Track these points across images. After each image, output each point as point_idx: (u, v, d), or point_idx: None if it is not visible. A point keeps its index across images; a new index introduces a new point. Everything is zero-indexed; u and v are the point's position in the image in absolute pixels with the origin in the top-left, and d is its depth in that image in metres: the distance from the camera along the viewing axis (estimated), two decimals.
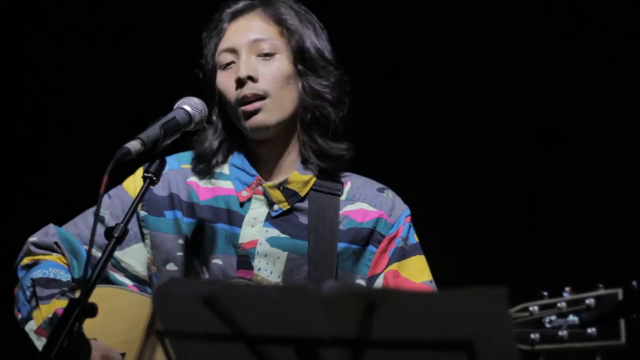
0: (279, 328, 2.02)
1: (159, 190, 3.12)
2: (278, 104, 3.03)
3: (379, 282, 3.07)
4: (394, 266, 3.08)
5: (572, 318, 2.30)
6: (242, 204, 3.08)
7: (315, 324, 1.99)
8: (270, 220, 3.07)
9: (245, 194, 3.08)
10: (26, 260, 3.14)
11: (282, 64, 3.05)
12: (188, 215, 3.09)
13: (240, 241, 3.04)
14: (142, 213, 3.11)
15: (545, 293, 2.36)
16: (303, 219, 3.08)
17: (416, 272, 3.10)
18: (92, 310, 2.52)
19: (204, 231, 3.06)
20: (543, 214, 4.65)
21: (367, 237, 3.08)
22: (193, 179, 3.12)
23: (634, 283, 2.21)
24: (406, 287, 3.03)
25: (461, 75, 4.68)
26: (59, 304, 3.01)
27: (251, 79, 3.01)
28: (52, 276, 3.05)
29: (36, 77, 4.86)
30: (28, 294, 3.05)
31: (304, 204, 3.09)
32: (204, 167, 3.11)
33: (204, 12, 3.17)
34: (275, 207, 3.07)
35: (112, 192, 3.16)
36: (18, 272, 3.14)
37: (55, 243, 3.12)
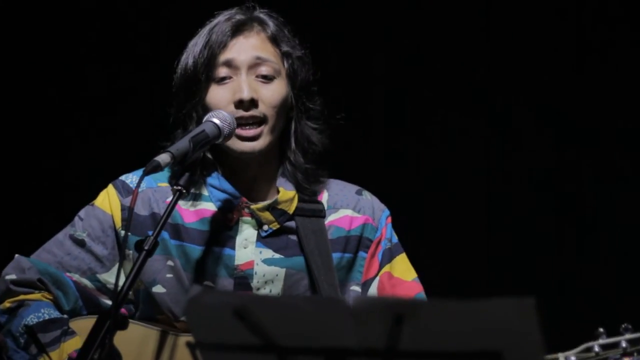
0: (309, 339, 2.03)
1: (139, 209, 3.03)
2: (271, 129, 3.00)
3: (374, 286, 3.07)
4: (386, 268, 3.09)
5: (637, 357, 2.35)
6: (229, 227, 3.03)
7: (345, 335, 2.00)
8: (261, 240, 3.03)
9: (231, 216, 3.03)
10: (7, 304, 2.98)
11: (280, 88, 3.02)
12: (174, 238, 3.01)
13: (236, 263, 3.01)
14: (124, 232, 3.00)
15: (602, 330, 2.38)
16: (293, 237, 3.06)
17: (404, 271, 3.11)
18: (123, 322, 2.54)
19: (193, 254, 3.01)
20: None
21: (357, 244, 3.08)
22: (171, 199, 2.84)
23: None
24: (402, 288, 3.05)
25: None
26: (69, 347, 2.93)
27: (252, 101, 2.97)
28: (47, 317, 2.94)
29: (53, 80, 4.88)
30: (22, 341, 2.93)
31: (292, 224, 3.05)
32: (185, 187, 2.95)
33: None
34: (265, 227, 3.04)
35: (82, 213, 3.06)
36: None
37: (39, 280, 2.98)
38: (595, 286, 4.56)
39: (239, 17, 3.06)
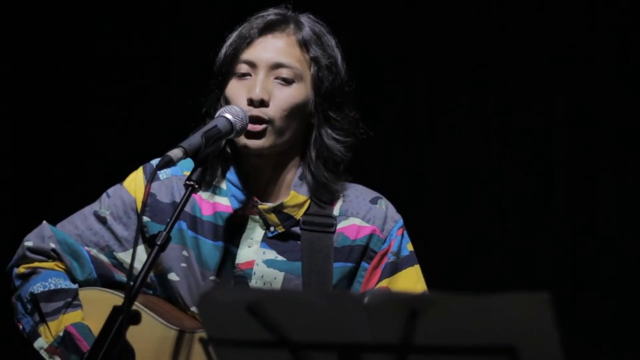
0: (322, 334, 2.02)
1: (163, 196, 3.07)
2: (277, 131, 2.98)
3: None
4: (384, 282, 3.06)
5: None
6: (238, 224, 3.04)
7: (359, 330, 2.00)
8: (267, 240, 3.04)
9: (241, 213, 3.04)
10: (22, 269, 3.06)
11: (297, 92, 3.00)
12: (191, 229, 3.04)
13: (237, 261, 3.02)
14: (145, 219, 3.04)
15: None
16: (297, 240, 3.05)
17: (407, 286, 3.06)
18: (135, 318, 2.53)
19: (205, 247, 3.03)
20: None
21: (361, 254, 3.06)
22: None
23: None
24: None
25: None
26: (68, 319, 2.98)
27: (263, 102, 2.96)
28: (52, 287, 3.00)
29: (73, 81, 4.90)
30: (29, 307, 3.01)
31: (298, 230, 3.05)
32: (208, 180, 3.04)
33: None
34: (272, 228, 3.04)
35: (110, 191, 3.11)
36: (14, 279, 3.08)
37: (53, 250, 3.05)
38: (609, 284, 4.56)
39: (273, 16, 3.06)
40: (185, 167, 3.06)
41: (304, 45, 3.04)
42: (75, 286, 3.05)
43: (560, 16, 4.61)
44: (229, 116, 2.89)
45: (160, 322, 2.97)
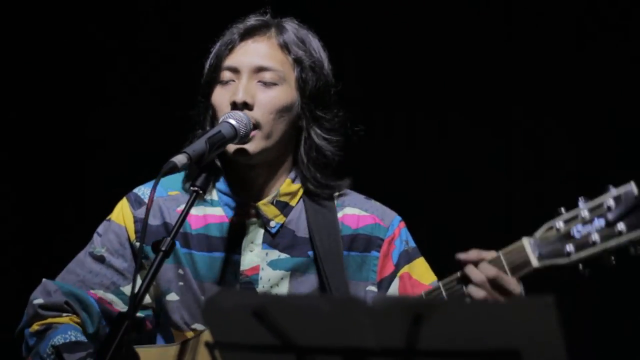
0: (328, 339, 2.03)
1: (152, 219, 3.05)
2: (266, 134, 2.97)
3: (394, 285, 3.06)
4: (405, 269, 3.07)
5: (598, 222, 2.44)
6: (237, 231, 3.03)
7: (364, 335, 2.00)
8: (268, 240, 3.03)
9: (237, 220, 3.03)
10: (36, 327, 3.02)
11: (281, 94, 3.00)
12: (184, 246, 3.03)
13: (241, 268, 3.01)
14: (138, 244, 3.02)
15: (562, 209, 2.49)
16: (299, 233, 3.05)
17: (423, 274, 3.08)
18: (140, 325, 2.54)
19: (200, 262, 3.02)
20: None
21: (366, 243, 3.07)
22: (183, 207, 2.80)
23: None
24: (419, 291, 2.98)
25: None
26: None
27: (246, 105, 2.95)
28: (74, 339, 2.96)
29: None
30: (52, 359, 2.96)
31: (298, 216, 3.06)
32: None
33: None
34: (272, 223, 3.04)
35: (100, 229, 3.10)
36: (27, 338, 3.02)
37: (66, 302, 3.02)
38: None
39: (253, 21, 3.06)
40: (170, 187, 3.08)
41: (285, 47, 3.03)
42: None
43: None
44: (232, 122, 2.89)
45: (151, 348, 2.97)
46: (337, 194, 3.11)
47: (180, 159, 2.71)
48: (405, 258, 3.09)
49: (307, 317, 2.03)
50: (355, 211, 3.10)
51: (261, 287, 3.00)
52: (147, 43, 4.87)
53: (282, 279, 3.02)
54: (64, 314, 3.03)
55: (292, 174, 3.08)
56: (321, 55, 3.09)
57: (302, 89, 3.03)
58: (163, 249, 2.64)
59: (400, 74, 4.73)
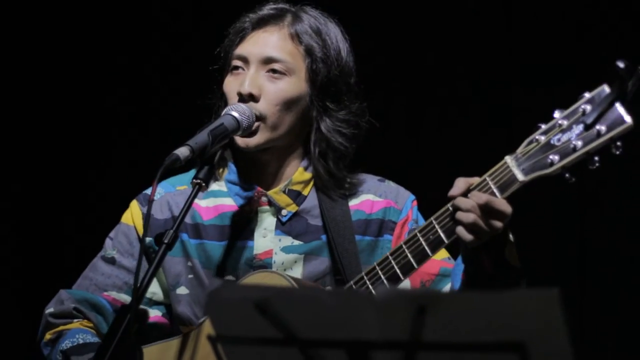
0: (331, 331, 2.02)
1: (159, 213, 3.07)
2: (271, 126, 2.97)
3: None
4: None
5: (577, 127, 2.49)
6: (248, 219, 3.03)
7: (367, 327, 2.00)
8: (280, 227, 3.03)
9: (249, 208, 3.04)
10: (48, 336, 3.06)
11: (289, 85, 2.98)
12: (194, 237, 3.04)
13: (255, 252, 3.01)
14: (148, 239, 3.00)
15: (541, 124, 2.54)
16: (312, 221, 3.05)
17: (441, 252, 3.02)
18: (143, 316, 2.53)
19: (213, 251, 3.02)
20: None
21: (379, 227, 3.06)
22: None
23: (620, 65, 2.40)
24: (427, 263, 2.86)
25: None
26: None
27: (252, 97, 2.95)
28: (81, 342, 2.98)
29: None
30: None
31: (312, 204, 3.05)
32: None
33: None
34: (284, 212, 3.04)
35: (112, 234, 3.13)
36: (42, 349, 3.06)
37: (75, 308, 3.04)
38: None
39: (267, 10, 3.05)
40: (178, 182, 3.10)
41: (296, 37, 3.01)
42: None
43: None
44: (235, 114, 2.89)
45: (153, 345, 2.97)
46: (349, 180, 3.09)
47: (182, 151, 2.71)
48: None
49: (310, 310, 2.02)
50: (370, 197, 3.09)
51: (275, 269, 2.99)
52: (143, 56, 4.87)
53: (295, 262, 3.02)
54: (75, 320, 3.06)
55: (305, 162, 3.07)
56: (338, 46, 3.06)
57: (313, 80, 3.01)
58: (165, 241, 2.64)
59: (400, 71, 4.73)
